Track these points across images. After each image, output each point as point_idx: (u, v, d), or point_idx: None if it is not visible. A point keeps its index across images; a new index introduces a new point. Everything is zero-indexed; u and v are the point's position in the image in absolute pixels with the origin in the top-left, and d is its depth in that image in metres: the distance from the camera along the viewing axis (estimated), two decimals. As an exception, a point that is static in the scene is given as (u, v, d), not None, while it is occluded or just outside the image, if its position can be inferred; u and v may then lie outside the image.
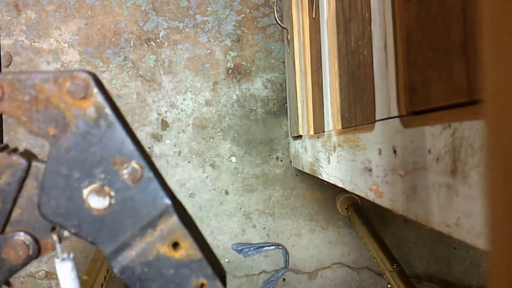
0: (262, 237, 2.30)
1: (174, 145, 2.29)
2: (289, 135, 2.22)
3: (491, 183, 0.29)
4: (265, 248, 2.28)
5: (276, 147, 2.31)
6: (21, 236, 0.42)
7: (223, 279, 0.43)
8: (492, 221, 0.29)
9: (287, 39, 2.00)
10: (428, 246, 2.28)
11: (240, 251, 2.28)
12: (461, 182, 0.50)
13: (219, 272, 0.43)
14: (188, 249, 0.41)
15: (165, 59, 2.30)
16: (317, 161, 1.44)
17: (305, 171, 1.74)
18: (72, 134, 0.40)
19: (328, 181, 1.26)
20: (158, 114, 2.29)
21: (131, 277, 0.41)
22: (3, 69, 2.23)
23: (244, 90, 2.30)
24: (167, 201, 0.41)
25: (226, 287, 0.43)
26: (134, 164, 0.40)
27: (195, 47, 2.30)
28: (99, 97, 0.40)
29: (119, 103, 2.24)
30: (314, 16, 1.46)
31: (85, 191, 0.40)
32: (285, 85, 2.27)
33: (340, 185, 1.10)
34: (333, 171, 1.18)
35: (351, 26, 1.01)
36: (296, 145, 1.97)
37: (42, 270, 2.30)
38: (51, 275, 2.30)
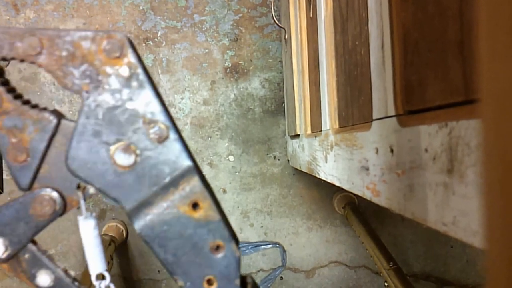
0: (260, 236, 2.30)
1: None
2: (287, 134, 2.22)
3: (488, 182, 0.29)
4: (262, 246, 2.29)
5: (274, 146, 2.31)
6: (48, 192, 0.43)
7: (237, 243, 0.44)
8: (488, 219, 0.29)
9: (285, 38, 2.00)
10: (425, 244, 2.29)
11: (237, 250, 2.27)
12: (457, 181, 0.50)
13: (234, 237, 0.44)
14: (207, 210, 0.42)
15: (163, 59, 2.30)
16: (315, 160, 1.44)
17: (303, 170, 1.74)
18: (104, 91, 0.41)
19: (325, 180, 1.26)
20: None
21: (150, 235, 0.42)
22: (0, 68, 2.23)
23: (241, 89, 2.30)
24: (190, 162, 0.42)
25: (241, 256, 0.44)
26: (160, 125, 0.42)
27: (193, 47, 2.30)
28: (132, 58, 0.42)
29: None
30: (311, 15, 1.46)
31: (112, 148, 0.41)
32: (283, 84, 2.27)
33: (337, 184, 1.10)
34: (330, 170, 1.18)
35: (348, 25, 1.01)
36: (293, 144, 1.97)
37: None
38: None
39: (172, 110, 2.29)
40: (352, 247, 2.31)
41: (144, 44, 2.29)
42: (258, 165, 2.30)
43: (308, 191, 2.31)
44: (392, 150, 0.70)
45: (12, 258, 0.44)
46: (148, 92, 0.42)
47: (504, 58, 0.26)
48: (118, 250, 2.22)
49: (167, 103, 2.26)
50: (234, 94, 2.30)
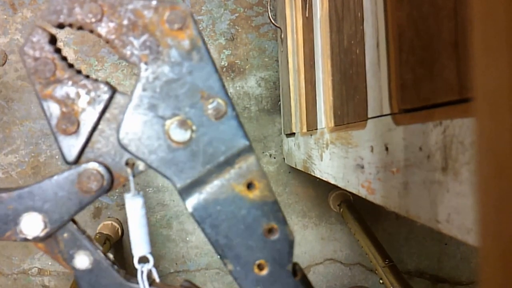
0: (255, 234, 2.30)
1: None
2: (282, 133, 2.22)
3: (482, 179, 0.29)
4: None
5: (270, 144, 2.31)
6: (96, 166, 0.41)
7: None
8: (482, 217, 0.30)
9: (281, 38, 2.00)
10: (419, 242, 2.29)
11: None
12: (452, 179, 0.50)
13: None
14: (263, 190, 0.41)
15: (159, 57, 2.29)
16: (310, 158, 1.44)
17: (298, 168, 1.74)
18: (163, 63, 0.40)
19: (321, 178, 1.26)
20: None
21: (202, 215, 0.41)
22: (-4, 67, 2.23)
23: (238, 88, 2.30)
24: (247, 141, 0.41)
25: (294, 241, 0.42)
26: (219, 100, 0.41)
27: (188, 45, 2.29)
28: (194, 30, 0.41)
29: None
30: (307, 15, 1.46)
31: (168, 122, 0.40)
32: (279, 83, 2.27)
33: (332, 182, 1.10)
34: (326, 168, 1.18)
35: (343, 25, 1.01)
36: (289, 142, 1.97)
37: (35, 267, 2.30)
38: (43, 272, 2.30)
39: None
40: (347, 244, 2.31)
41: (140, 43, 2.29)
42: (254, 163, 2.30)
43: (303, 189, 2.31)
44: (387, 149, 0.70)
45: (50, 236, 0.42)
46: (208, 67, 0.40)
47: (498, 57, 0.26)
48: (114, 248, 2.22)
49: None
50: (230, 92, 2.30)
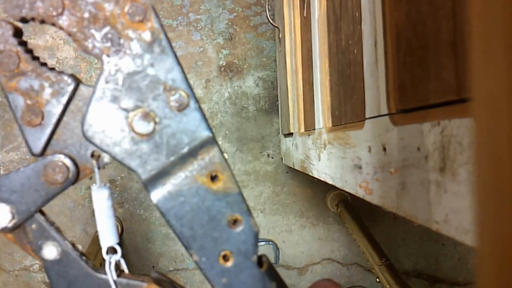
0: (253, 234, 2.30)
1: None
2: (280, 133, 2.22)
3: (479, 180, 0.29)
4: (255, 244, 2.28)
5: (267, 144, 2.31)
6: (61, 158, 0.42)
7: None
8: (480, 218, 0.30)
9: (279, 37, 2.00)
10: (417, 242, 2.29)
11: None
12: (450, 179, 0.50)
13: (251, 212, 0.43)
14: (226, 182, 0.41)
15: (157, 56, 2.29)
16: (308, 158, 1.44)
17: (296, 168, 1.74)
18: (125, 55, 0.40)
19: (319, 178, 1.26)
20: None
21: (167, 206, 0.41)
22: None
23: (236, 87, 2.30)
24: (209, 132, 0.42)
25: (259, 232, 0.43)
26: (181, 92, 0.41)
27: (188, 45, 2.30)
28: (156, 23, 0.41)
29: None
30: (305, 15, 1.46)
31: (131, 115, 0.41)
32: (277, 83, 2.27)
33: (330, 182, 1.10)
34: (324, 168, 1.18)
35: (341, 25, 1.01)
36: (287, 142, 1.97)
37: (36, 263, 2.30)
38: (43, 271, 2.30)
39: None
40: (344, 244, 2.31)
41: (138, 42, 2.29)
42: (252, 163, 2.30)
43: (301, 189, 2.31)
44: (384, 149, 0.70)
45: (18, 227, 0.43)
46: (170, 59, 0.41)
47: (496, 57, 0.26)
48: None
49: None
50: (229, 92, 2.30)
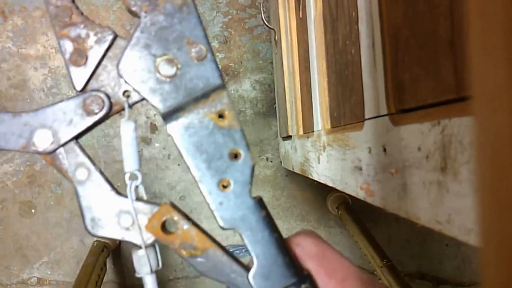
0: (254, 238, 2.30)
1: (164, 148, 2.29)
2: (279, 136, 2.22)
3: (481, 179, 0.29)
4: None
5: (266, 148, 2.31)
6: (99, 93, 0.49)
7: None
8: (482, 217, 0.29)
9: (275, 39, 2.00)
10: (419, 244, 2.29)
11: (231, 253, 2.27)
12: (451, 179, 0.50)
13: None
14: (231, 120, 0.48)
15: (153, 62, 2.30)
16: (307, 161, 1.44)
17: (296, 171, 1.74)
18: (159, 13, 0.48)
19: (319, 180, 1.26)
20: (146, 118, 2.29)
21: (178, 134, 0.48)
22: (-10, 75, 2.23)
23: (232, 91, 2.30)
24: (221, 80, 0.49)
25: (255, 167, 0.49)
26: (201, 46, 0.48)
27: (182, 49, 2.30)
28: None
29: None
30: (301, 16, 1.46)
31: (158, 60, 0.48)
32: (274, 85, 2.27)
33: (330, 184, 1.10)
34: (323, 170, 1.18)
35: (338, 25, 1.01)
36: (286, 145, 1.97)
37: (34, 276, 2.30)
38: (43, 282, 2.30)
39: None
40: (346, 248, 2.31)
41: (134, 48, 2.29)
42: (251, 167, 2.30)
43: (301, 192, 2.31)
44: (385, 150, 0.70)
45: (56, 151, 0.50)
46: (195, 19, 0.48)
47: (495, 54, 0.26)
48: (112, 256, 2.22)
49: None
50: (225, 96, 2.30)
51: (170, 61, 0.48)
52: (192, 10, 0.48)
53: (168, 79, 0.48)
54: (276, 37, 1.93)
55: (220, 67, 0.53)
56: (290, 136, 1.80)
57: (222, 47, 2.31)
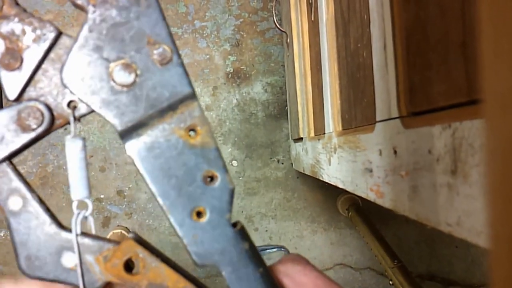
0: (265, 240, 2.30)
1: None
2: (290, 138, 2.22)
3: (491, 182, 0.29)
4: (267, 250, 2.29)
5: (277, 150, 2.31)
6: (37, 104, 0.40)
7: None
8: (492, 219, 0.29)
9: (286, 42, 2.00)
10: (429, 245, 2.29)
11: None
12: (461, 182, 0.50)
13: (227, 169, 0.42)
14: (204, 137, 0.40)
15: (165, 64, 2.30)
16: (318, 163, 1.44)
17: (306, 173, 1.74)
18: (111, 7, 0.39)
19: (329, 182, 1.26)
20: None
21: (140, 157, 0.40)
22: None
23: (244, 94, 2.31)
24: (191, 88, 0.41)
25: (235, 190, 0.42)
26: (165, 47, 0.40)
27: (194, 53, 2.30)
28: None
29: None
30: (313, 19, 1.46)
31: (112, 65, 0.40)
32: (285, 88, 2.28)
33: (341, 186, 1.10)
34: (334, 172, 1.18)
35: (350, 28, 1.01)
36: (297, 147, 1.98)
37: None
38: None
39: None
40: (357, 249, 2.31)
41: (146, 50, 2.30)
42: (262, 169, 2.31)
43: (312, 194, 2.31)
44: (395, 152, 0.70)
45: None
46: (156, 13, 0.40)
47: (507, 57, 0.26)
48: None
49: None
50: (237, 99, 2.30)
51: (127, 66, 0.40)
52: (152, 2, 0.40)
53: (125, 89, 0.40)
54: (288, 40, 1.93)
55: (187, 72, 0.42)
56: (301, 138, 1.80)
57: (234, 50, 2.31)
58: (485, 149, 0.29)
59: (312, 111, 1.60)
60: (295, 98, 1.84)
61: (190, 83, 0.41)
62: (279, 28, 2.02)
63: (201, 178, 0.40)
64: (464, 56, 0.52)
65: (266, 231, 2.29)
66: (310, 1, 1.48)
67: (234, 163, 2.30)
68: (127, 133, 0.40)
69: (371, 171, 0.84)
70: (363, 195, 0.89)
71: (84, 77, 0.40)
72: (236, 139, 2.29)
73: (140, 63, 0.40)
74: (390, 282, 1.66)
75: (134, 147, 0.40)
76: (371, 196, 0.84)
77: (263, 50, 2.32)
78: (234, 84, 2.30)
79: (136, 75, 0.40)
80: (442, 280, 2.29)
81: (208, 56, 2.31)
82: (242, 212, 2.30)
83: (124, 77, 0.40)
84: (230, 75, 2.30)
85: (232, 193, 0.41)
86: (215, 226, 0.41)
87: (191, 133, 0.40)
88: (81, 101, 0.41)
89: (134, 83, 0.40)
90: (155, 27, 0.40)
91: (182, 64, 0.41)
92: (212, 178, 0.41)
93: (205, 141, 0.40)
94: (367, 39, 0.86)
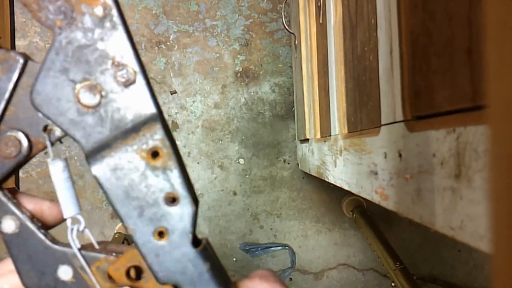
0: (269, 238, 2.31)
1: (184, 146, 2.30)
2: (296, 139, 2.22)
3: (495, 187, 0.29)
4: (272, 248, 2.29)
5: (284, 150, 2.31)
6: (14, 133, 0.42)
7: (196, 203, 0.42)
8: (495, 224, 0.30)
9: (295, 44, 2.00)
10: (432, 248, 2.29)
11: (247, 251, 2.28)
12: (465, 186, 0.50)
13: (191, 191, 0.42)
14: (166, 160, 0.40)
15: (175, 62, 2.31)
16: (324, 164, 1.44)
17: (312, 174, 1.74)
18: (77, 29, 0.40)
19: (335, 184, 1.26)
20: (168, 116, 2.30)
21: (105, 178, 0.40)
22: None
23: (252, 93, 2.31)
24: (154, 110, 0.41)
25: (197, 211, 0.42)
26: (129, 68, 0.40)
27: (204, 51, 2.31)
28: None
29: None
30: (321, 22, 1.46)
31: (78, 86, 0.40)
32: (292, 89, 2.28)
33: (346, 188, 1.10)
34: (340, 174, 1.18)
35: (357, 32, 1.02)
36: (303, 148, 1.98)
37: None
38: None
39: (183, 113, 2.31)
40: (360, 250, 2.31)
41: (156, 48, 2.31)
42: (268, 168, 2.31)
43: (317, 194, 2.31)
44: (400, 155, 0.71)
45: None
46: (120, 34, 0.40)
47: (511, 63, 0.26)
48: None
49: (178, 106, 2.27)
50: (245, 98, 2.31)
51: (92, 88, 0.40)
52: (116, 23, 0.40)
53: (90, 110, 0.41)
54: (296, 42, 1.93)
55: (153, 92, 0.39)
56: (308, 139, 1.80)
57: (243, 50, 2.32)
58: (489, 154, 0.30)
59: (319, 113, 1.60)
60: (302, 99, 1.85)
61: (154, 104, 0.41)
62: (287, 30, 2.02)
63: (163, 199, 0.41)
64: (469, 62, 0.52)
65: (271, 229, 2.30)
66: (319, 4, 1.48)
67: (241, 161, 2.30)
68: (92, 154, 0.41)
69: (376, 173, 0.84)
70: (368, 197, 0.90)
71: (52, 98, 0.41)
72: (243, 137, 2.30)
73: (104, 85, 0.41)
74: (392, 284, 1.66)
75: (99, 168, 0.40)
76: (376, 199, 0.84)
77: (272, 50, 2.32)
78: (242, 83, 2.31)
79: (101, 96, 0.41)
80: (444, 283, 2.29)
81: (218, 55, 2.31)
82: (248, 209, 2.30)
83: (89, 98, 0.40)
84: (239, 74, 2.31)
85: (194, 214, 0.41)
86: (176, 247, 0.41)
87: (154, 155, 0.41)
88: (50, 120, 0.41)
89: (99, 104, 0.41)
90: (120, 49, 0.40)
91: (146, 85, 0.41)
92: (174, 200, 0.41)
93: (166, 163, 0.41)
94: (374, 43, 0.86)
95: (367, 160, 0.89)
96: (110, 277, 0.43)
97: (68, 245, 0.43)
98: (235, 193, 2.31)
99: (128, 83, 0.41)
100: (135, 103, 0.41)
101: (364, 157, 0.92)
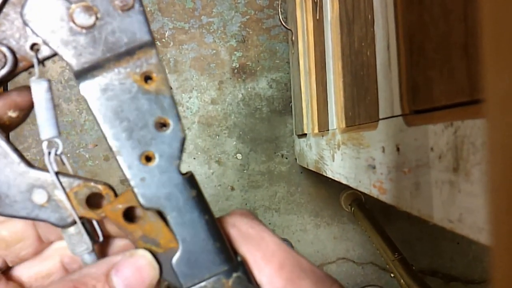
0: (268, 233, 2.31)
1: (180, 143, 2.30)
2: (294, 133, 2.22)
3: (492, 179, 0.29)
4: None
5: (281, 145, 2.32)
6: None
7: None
8: (493, 216, 0.30)
9: (292, 40, 2.00)
10: (431, 241, 2.29)
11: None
12: (463, 179, 0.51)
13: (180, 119, 0.41)
14: (159, 84, 0.40)
15: (171, 59, 2.30)
16: (322, 159, 1.45)
17: (310, 168, 1.74)
18: None
19: (333, 178, 1.27)
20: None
21: (93, 97, 0.39)
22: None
23: (249, 89, 2.31)
24: (150, 37, 0.40)
25: (185, 140, 0.41)
26: None
27: (200, 47, 2.31)
28: None
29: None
30: (318, 17, 1.47)
31: (73, 6, 0.39)
32: (290, 84, 2.28)
33: (344, 182, 1.11)
34: (338, 168, 1.19)
35: (354, 27, 1.02)
36: (301, 143, 1.98)
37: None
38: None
39: (179, 109, 2.31)
40: (359, 244, 2.31)
41: (151, 45, 2.30)
42: (266, 163, 2.31)
43: (315, 189, 2.32)
44: (398, 149, 0.71)
45: None
46: None
47: (508, 57, 0.27)
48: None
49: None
50: (242, 94, 2.31)
51: (88, 9, 0.39)
52: None
53: (84, 30, 0.39)
54: (293, 38, 1.94)
55: (148, 21, 0.39)
56: (305, 134, 1.81)
57: (240, 46, 2.32)
58: (487, 147, 0.30)
59: (316, 108, 1.61)
60: (299, 94, 1.85)
61: (149, 32, 0.41)
62: (284, 26, 2.02)
63: (153, 123, 0.40)
64: (466, 56, 0.52)
65: (270, 223, 2.30)
66: (315, 0, 1.48)
67: (239, 156, 2.30)
68: (82, 74, 0.40)
69: (374, 167, 0.84)
70: (366, 191, 0.90)
71: (44, 16, 0.39)
72: (241, 133, 2.30)
73: (101, 7, 0.39)
74: (392, 275, 1.67)
75: (88, 87, 0.40)
76: (374, 192, 0.85)
77: (269, 46, 2.32)
78: (239, 79, 2.31)
79: (97, 18, 0.39)
80: (443, 275, 2.29)
81: (214, 51, 2.31)
82: (246, 204, 2.30)
83: (84, 19, 0.39)
84: (235, 70, 2.31)
85: (183, 141, 0.41)
86: (163, 171, 0.40)
87: (147, 79, 0.40)
88: (43, 42, 0.40)
89: (93, 25, 0.40)
90: None
91: (143, 12, 0.40)
92: (164, 125, 0.40)
93: (160, 88, 0.40)
94: (371, 39, 0.86)
95: (365, 154, 0.90)
96: (88, 204, 0.42)
97: (45, 170, 0.42)
98: (233, 188, 2.31)
99: (126, 8, 0.40)
100: (131, 28, 0.40)
101: (362, 151, 0.93)
